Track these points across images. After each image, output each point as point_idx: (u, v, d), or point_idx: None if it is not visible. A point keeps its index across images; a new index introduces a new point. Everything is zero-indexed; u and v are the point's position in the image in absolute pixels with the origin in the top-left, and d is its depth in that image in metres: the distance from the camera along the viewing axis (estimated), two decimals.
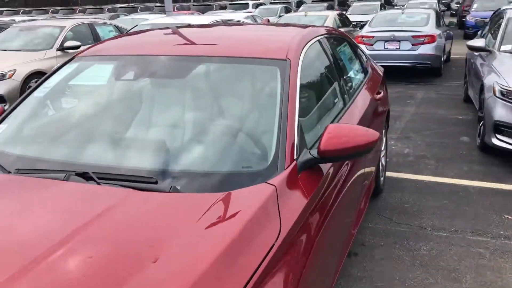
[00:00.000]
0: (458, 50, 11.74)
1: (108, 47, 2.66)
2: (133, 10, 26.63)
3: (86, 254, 1.35)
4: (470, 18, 15.90)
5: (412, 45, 9.27)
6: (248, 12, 19.45)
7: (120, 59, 2.52)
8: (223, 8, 26.02)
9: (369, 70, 3.84)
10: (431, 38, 9.22)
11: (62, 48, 7.92)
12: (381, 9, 17.20)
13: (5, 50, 7.90)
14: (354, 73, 3.39)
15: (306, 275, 1.63)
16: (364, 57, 3.92)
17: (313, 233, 1.77)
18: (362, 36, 9.73)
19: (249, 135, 2.02)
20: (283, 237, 1.53)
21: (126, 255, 1.36)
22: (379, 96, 3.53)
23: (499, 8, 6.92)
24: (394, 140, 5.60)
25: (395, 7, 22.34)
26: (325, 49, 2.83)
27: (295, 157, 1.87)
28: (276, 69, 2.20)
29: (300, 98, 2.10)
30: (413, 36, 9.30)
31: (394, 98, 7.59)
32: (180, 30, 2.94)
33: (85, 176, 1.76)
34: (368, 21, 11.01)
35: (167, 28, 3.06)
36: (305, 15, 11.67)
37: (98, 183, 1.72)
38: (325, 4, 21.37)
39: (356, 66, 3.55)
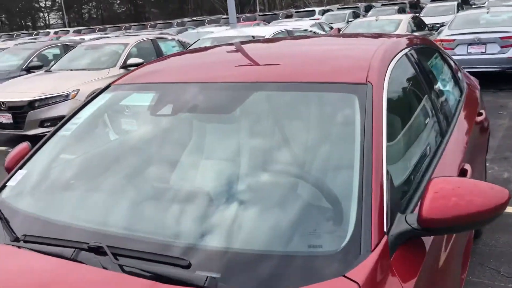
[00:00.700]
0: None
1: (148, 72, 2.23)
2: (201, 23, 26.92)
3: None
4: None
5: (501, 47, 8.24)
6: (315, 19, 18.91)
7: (158, 88, 2.08)
8: (289, 16, 25.58)
9: (465, 85, 3.14)
10: None
11: (125, 66, 7.80)
12: (458, 10, 15.95)
13: (71, 70, 7.91)
14: (451, 93, 2.70)
15: None
16: (456, 67, 3.23)
17: None
18: (442, 40, 8.84)
19: (317, 197, 1.48)
20: None
21: None
22: (480, 118, 2.84)
23: None
24: (489, 161, 4.75)
25: (472, 6, 20.79)
26: (415, 65, 2.20)
27: (384, 229, 1.31)
28: (353, 97, 1.64)
29: (387, 137, 1.54)
30: (501, 38, 8.28)
31: None
32: (236, 46, 2.46)
33: (99, 251, 1.35)
34: (444, 23, 10.08)
35: (221, 45, 2.64)
36: (376, 20, 10.96)
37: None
38: (396, 7, 20.24)
39: (452, 83, 2.86)
